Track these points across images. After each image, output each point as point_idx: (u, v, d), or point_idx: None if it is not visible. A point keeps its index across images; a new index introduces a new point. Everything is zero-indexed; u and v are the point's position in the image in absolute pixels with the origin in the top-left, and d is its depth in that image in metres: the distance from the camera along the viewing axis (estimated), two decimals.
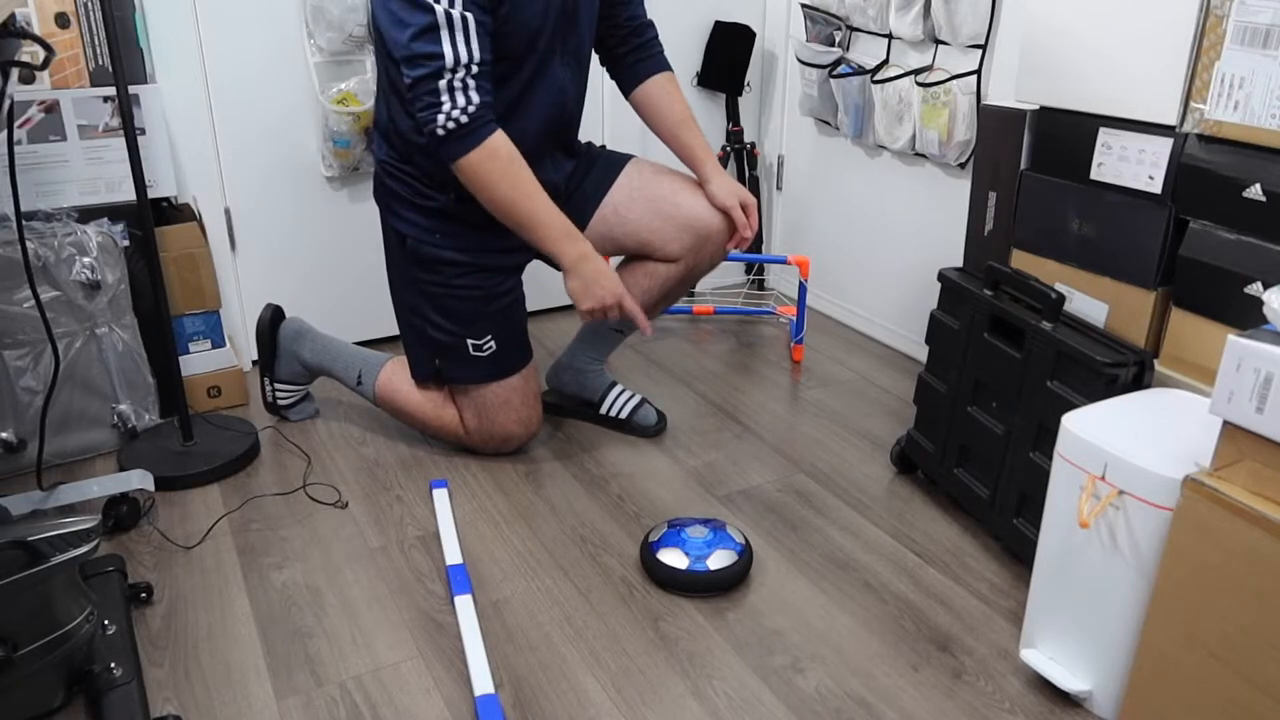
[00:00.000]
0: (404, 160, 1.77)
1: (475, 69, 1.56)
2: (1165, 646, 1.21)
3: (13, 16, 1.37)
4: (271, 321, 2.06)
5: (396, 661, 1.45)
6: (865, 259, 2.60)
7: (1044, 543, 1.39)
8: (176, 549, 1.70)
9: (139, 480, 1.74)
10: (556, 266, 2.02)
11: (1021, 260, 1.79)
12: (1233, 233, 1.44)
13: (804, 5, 2.53)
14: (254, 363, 2.37)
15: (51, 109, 1.87)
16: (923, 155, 2.31)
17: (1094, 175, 1.63)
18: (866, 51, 2.40)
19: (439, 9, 1.53)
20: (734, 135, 2.75)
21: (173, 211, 2.13)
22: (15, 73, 1.62)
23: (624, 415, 2.10)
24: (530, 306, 2.46)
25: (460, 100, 1.56)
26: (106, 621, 1.40)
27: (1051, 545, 1.37)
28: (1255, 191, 1.40)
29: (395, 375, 1.98)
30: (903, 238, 2.46)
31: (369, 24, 2.18)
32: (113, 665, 1.33)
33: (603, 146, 1.99)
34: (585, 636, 1.50)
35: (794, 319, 2.52)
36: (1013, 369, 1.60)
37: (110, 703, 1.29)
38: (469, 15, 1.55)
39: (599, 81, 2.54)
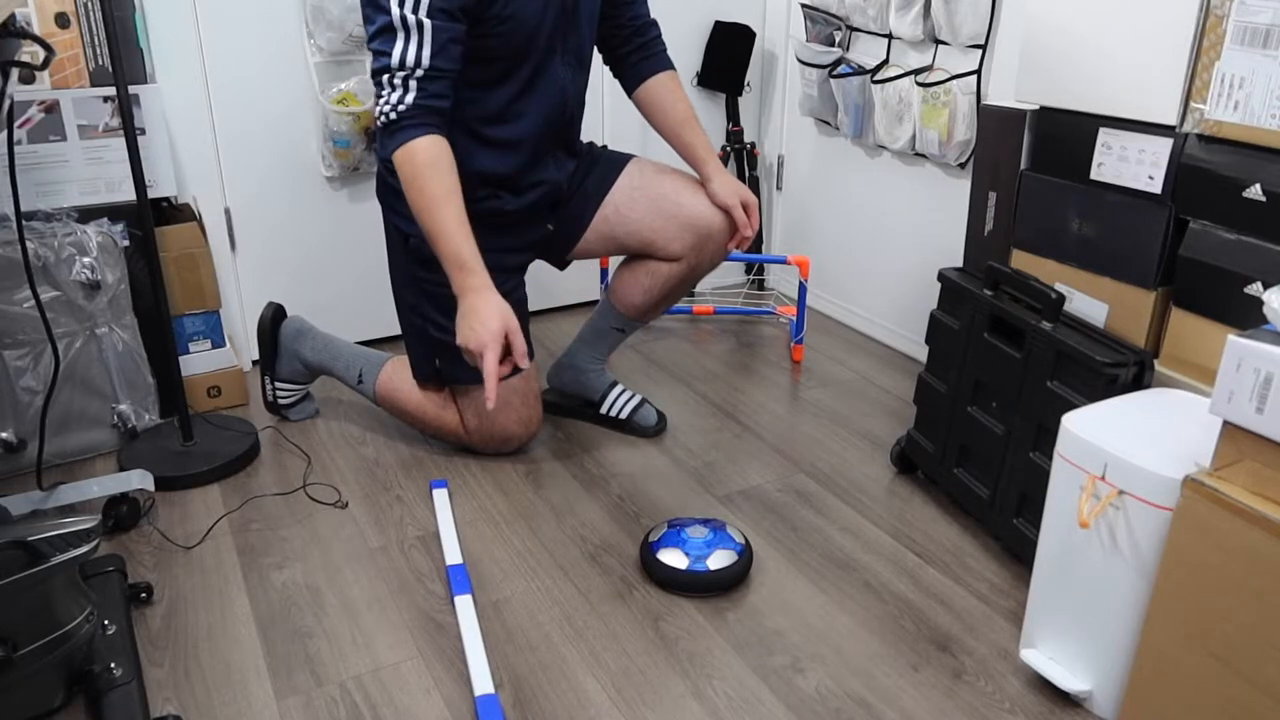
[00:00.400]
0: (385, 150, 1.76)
1: (422, 73, 1.57)
2: (1165, 646, 1.21)
3: (13, 16, 1.37)
4: (273, 320, 2.06)
5: (396, 661, 1.45)
6: (865, 259, 2.60)
7: (1044, 543, 1.39)
8: (176, 549, 1.70)
9: (139, 480, 1.74)
10: (560, 266, 2.03)
11: (1021, 260, 1.79)
12: (1233, 233, 1.44)
13: (804, 5, 2.53)
14: (254, 362, 2.37)
15: (51, 109, 1.87)
16: (923, 155, 2.31)
17: (1094, 175, 1.63)
18: (866, 51, 2.40)
19: (395, 13, 1.55)
20: (734, 135, 2.75)
21: (173, 211, 2.13)
22: (15, 73, 1.62)
23: (624, 415, 2.10)
24: (531, 306, 2.46)
25: (394, 97, 1.58)
26: (106, 621, 1.40)
27: (1051, 545, 1.37)
28: (1255, 191, 1.40)
29: (396, 375, 1.98)
30: (903, 238, 2.45)
31: None
32: (113, 665, 1.33)
33: (604, 146, 1.99)
34: (585, 636, 1.50)
35: (794, 319, 2.52)
36: (1013, 369, 1.60)
37: (110, 703, 1.29)
38: (428, 22, 1.55)
39: (599, 81, 2.54)
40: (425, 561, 1.68)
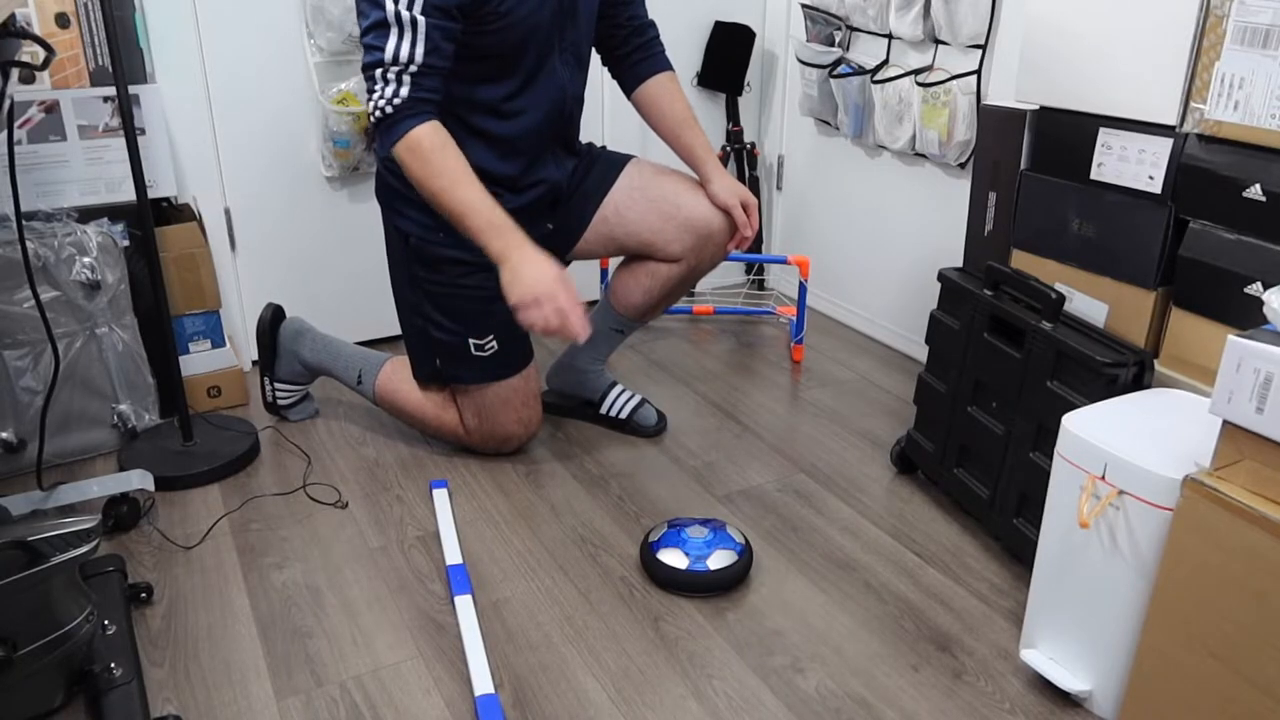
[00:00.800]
0: (383, 146, 1.76)
1: (415, 68, 1.58)
2: (1165, 646, 1.21)
3: (13, 16, 1.37)
4: (272, 321, 2.06)
5: (396, 661, 1.45)
6: (865, 259, 2.60)
7: (1044, 543, 1.39)
8: (176, 549, 1.70)
9: (139, 480, 1.74)
10: (565, 263, 2.02)
11: (1021, 260, 1.79)
12: (1233, 233, 1.44)
13: (804, 5, 2.53)
14: (254, 363, 2.37)
15: (51, 109, 1.87)
16: (923, 155, 2.31)
17: (1094, 175, 1.63)
18: (866, 51, 2.40)
19: (390, 9, 1.55)
20: (734, 135, 2.75)
21: (173, 211, 2.13)
22: (15, 73, 1.62)
23: (624, 415, 2.10)
24: None
25: (389, 91, 1.58)
26: (106, 621, 1.40)
27: (1051, 545, 1.37)
28: (1255, 191, 1.40)
29: (395, 375, 1.98)
30: (903, 238, 2.45)
31: None
32: (113, 665, 1.33)
33: (603, 147, 1.99)
34: (585, 636, 1.50)
35: (794, 319, 2.52)
36: (1013, 369, 1.60)
37: (110, 703, 1.29)
38: (422, 20, 1.56)
39: (599, 81, 2.54)
40: (425, 561, 1.68)
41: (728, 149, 2.75)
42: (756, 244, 2.84)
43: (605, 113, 2.62)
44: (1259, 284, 1.40)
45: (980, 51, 2.10)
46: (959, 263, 1.95)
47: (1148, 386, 1.46)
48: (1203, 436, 1.27)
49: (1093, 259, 1.66)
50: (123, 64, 1.68)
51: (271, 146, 2.25)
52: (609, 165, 1.92)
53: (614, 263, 2.65)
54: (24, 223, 1.84)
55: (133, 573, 1.63)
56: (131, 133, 1.72)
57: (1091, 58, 1.60)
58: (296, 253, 2.36)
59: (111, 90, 1.88)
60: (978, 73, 2.11)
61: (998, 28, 2.06)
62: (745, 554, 1.62)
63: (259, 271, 2.34)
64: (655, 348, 2.54)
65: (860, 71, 2.37)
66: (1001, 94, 2.05)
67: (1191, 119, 1.47)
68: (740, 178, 2.81)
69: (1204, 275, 1.48)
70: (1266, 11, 1.34)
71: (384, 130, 1.61)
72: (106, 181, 1.94)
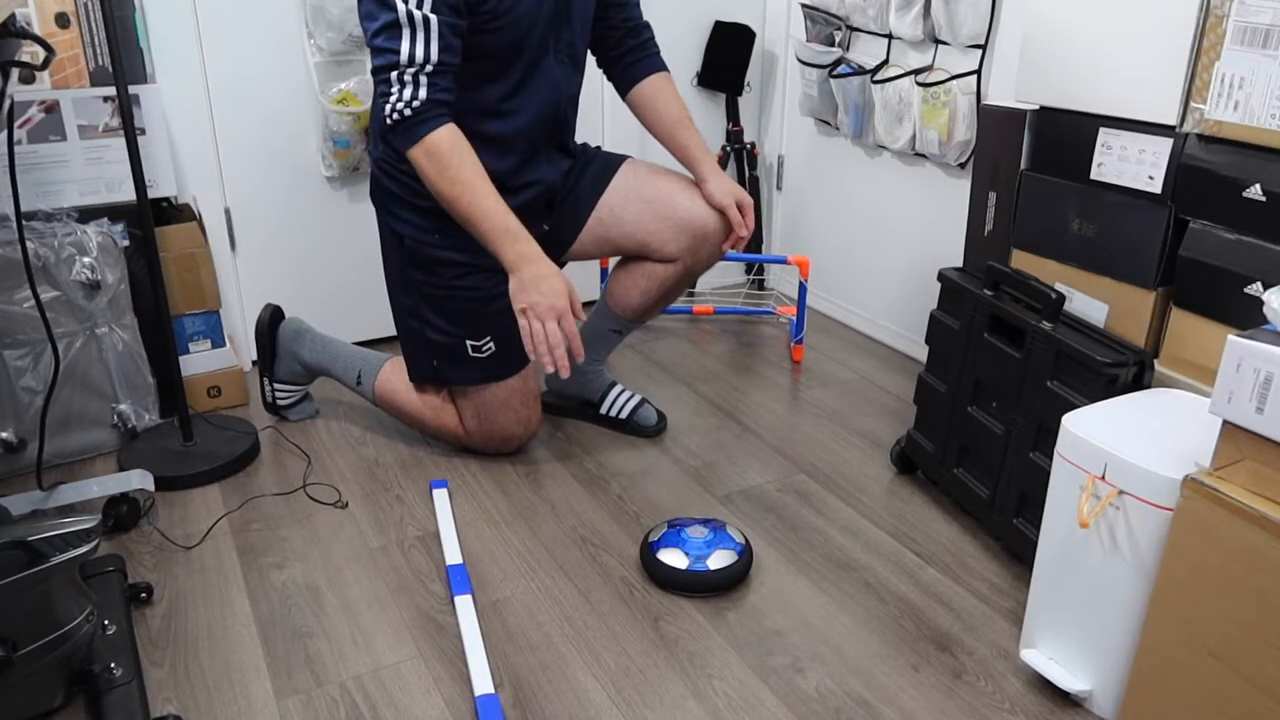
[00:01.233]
0: (400, 159, 1.76)
1: (431, 68, 1.58)
2: (1165, 646, 1.21)
3: (13, 16, 1.37)
4: (271, 321, 2.06)
5: (396, 661, 1.45)
6: (865, 259, 2.60)
7: (1044, 543, 1.39)
8: (176, 549, 1.70)
9: (139, 480, 1.74)
10: (561, 264, 2.02)
11: (1021, 260, 1.79)
12: (1233, 233, 1.44)
13: (804, 5, 2.53)
14: (254, 363, 2.37)
15: (51, 109, 1.87)
16: (923, 155, 2.31)
17: (1094, 175, 1.63)
18: (866, 51, 2.40)
19: (401, 9, 1.55)
20: (734, 135, 2.75)
21: (173, 211, 2.13)
22: (15, 73, 1.62)
23: (624, 415, 2.10)
24: None
25: (407, 94, 1.59)
26: (106, 621, 1.40)
27: (1051, 545, 1.37)
28: (1255, 191, 1.40)
29: (395, 375, 1.98)
30: (903, 238, 2.45)
31: None
32: (113, 665, 1.33)
33: (599, 147, 1.99)
34: (585, 636, 1.50)
35: (794, 319, 2.52)
36: (1013, 369, 1.60)
37: (110, 703, 1.29)
38: (433, 18, 1.56)
39: (599, 81, 2.53)
40: (425, 561, 1.68)
41: (728, 149, 2.75)
42: (756, 244, 2.84)
43: (605, 112, 2.62)
44: (1259, 284, 1.40)
45: (980, 51, 2.10)
46: (959, 263, 1.95)
47: (1148, 386, 1.46)
48: (1203, 436, 1.27)
49: (1093, 259, 1.66)
50: (123, 64, 1.68)
51: (271, 146, 2.25)
52: (604, 166, 1.92)
53: (613, 262, 2.65)
54: (24, 223, 1.85)
55: (133, 573, 1.63)
56: (131, 133, 1.72)
57: (1091, 58, 1.60)
58: (296, 253, 2.36)
59: (111, 90, 1.88)
60: (978, 73, 2.11)
61: (998, 28, 2.06)
62: (745, 554, 1.62)
63: (259, 271, 2.34)
64: (655, 348, 2.54)
65: (860, 71, 2.37)
66: (1001, 94, 2.05)
67: (1191, 119, 1.47)
68: (740, 178, 2.81)
69: (1204, 275, 1.48)
70: (1266, 11, 1.34)
71: (401, 133, 1.61)
72: (106, 181, 1.94)
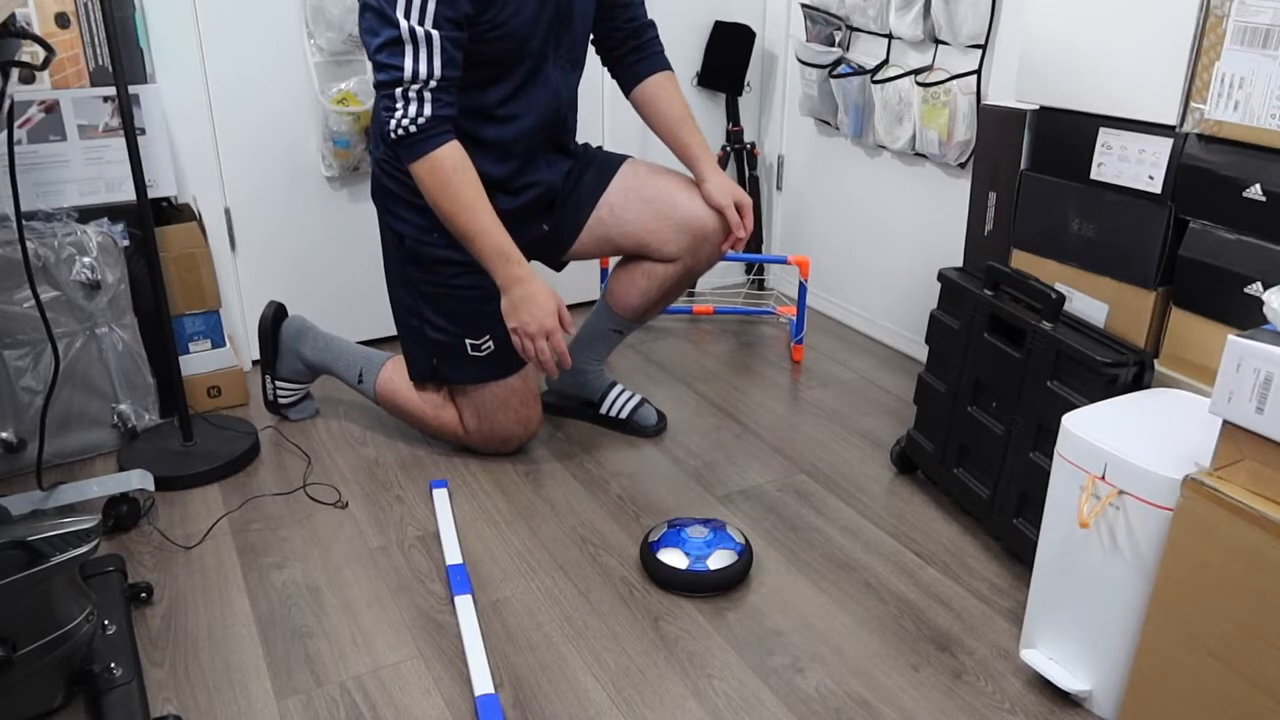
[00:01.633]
0: (399, 160, 1.76)
1: (434, 84, 1.60)
2: (1165, 646, 1.21)
3: (13, 16, 1.37)
4: (274, 319, 2.06)
5: (396, 661, 1.45)
6: (865, 259, 2.60)
7: (1044, 543, 1.39)
8: (176, 549, 1.70)
9: (139, 480, 1.74)
10: (557, 267, 2.03)
11: (1021, 260, 1.79)
12: (1233, 233, 1.44)
13: (804, 5, 2.53)
14: (254, 362, 2.38)
15: (51, 109, 1.87)
16: (923, 155, 2.31)
17: (1094, 175, 1.63)
18: (866, 51, 2.40)
19: (404, 26, 1.56)
20: (734, 135, 2.75)
21: (173, 211, 2.13)
22: (15, 73, 1.62)
23: (624, 415, 2.10)
24: None
25: (412, 110, 1.60)
26: (106, 621, 1.40)
27: (1051, 545, 1.37)
28: (1255, 191, 1.40)
29: (396, 374, 1.98)
30: (903, 238, 2.45)
31: None
32: (113, 665, 1.33)
33: (599, 147, 1.99)
34: (585, 636, 1.50)
35: (794, 319, 2.52)
36: (1013, 369, 1.60)
37: (110, 703, 1.29)
38: (435, 33, 1.57)
39: (599, 81, 2.54)
40: (425, 561, 1.68)
41: (728, 149, 2.75)
42: (756, 244, 2.84)
43: (605, 112, 2.62)
44: (1259, 284, 1.40)
45: (980, 51, 2.10)
46: (959, 263, 1.95)
47: (1148, 386, 1.46)
48: (1203, 436, 1.27)
49: (1093, 259, 1.66)
50: (123, 64, 1.68)
51: (271, 146, 2.25)
52: (604, 166, 1.92)
53: (613, 262, 2.64)
54: (24, 223, 1.84)
55: (133, 573, 1.63)
56: (131, 133, 1.72)
57: (1091, 58, 1.60)
58: (296, 253, 2.36)
59: (111, 90, 1.88)
60: (978, 73, 2.11)
61: (997, 28, 2.06)
62: (745, 554, 1.62)
63: (259, 271, 2.34)
64: (655, 348, 2.54)
65: (860, 71, 2.37)
66: (1001, 94, 2.05)
67: (1191, 119, 1.47)
68: (740, 178, 2.81)
69: (1204, 275, 1.48)
70: (1266, 11, 1.34)
71: (405, 148, 1.63)
72: (106, 181, 1.94)
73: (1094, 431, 1.29)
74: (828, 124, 2.60)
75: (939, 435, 1.81)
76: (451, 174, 1.63)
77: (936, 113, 2.19)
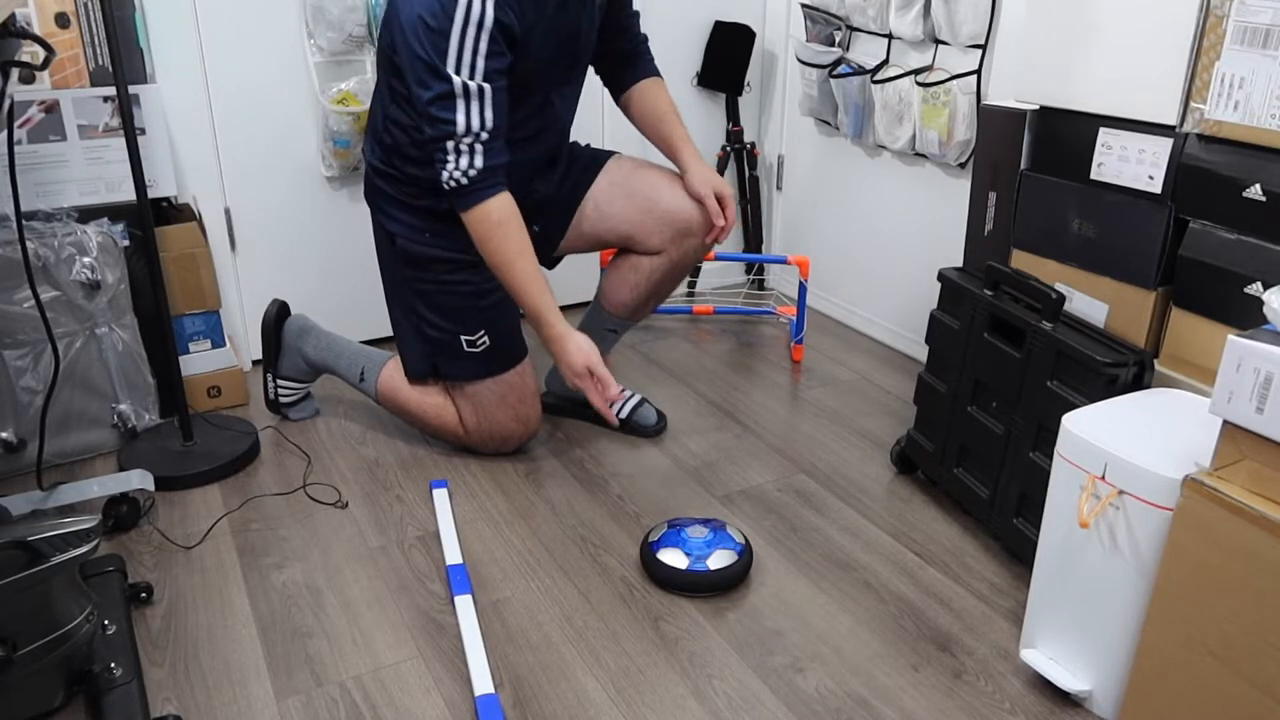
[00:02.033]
0: (393, 163, 1.79)
1: (486, 135, 1.63)
2: (1165, 646, 1.21)
3: (13, 16, 1.37)
4: (277, 317, 2.07)
5: (396, 661, 1.45)
6: (865, 259, 2.60)
7: (1044, 543, 1.39)
8: (176, 549, 1.70)
9: (139, 480, 1.74)
10: (549, 265, 2.04)
11: (1021, 260, 1.79)
12: (1233, 233, 1.44)
13: (804, 5, 2.53)
14: (255, 362, 2.38)
15: (51, 109, 1.87)
16: (923, 155, 2.31)
17: (1094, 175, 1.63)
18: (866, 51, 2.40)
19: (457, 81, 1.59)
20: (734, 135, 2.75)
21: (173, 211, 2.13)
22: (15, 73, 1.62)
23: (623, 415, 2.10)
24: None
25: (464, 163, 1.64)
26: (106, 621, 1.40)
27: (1051, 545, 1.37)
28: (1255, 191, 1.40)
29: (397, 373, 1.98)
30: (903, 238, 2.45)
31: (368, 24, 2.18)
32: (113, 665, 1.33)
33: (587, 145, 2.01)
34: (585, 636, 1.50)
35: (794, 319, 2.52)
36: (1013, 369, 1.60)
37: (110, 703, 1.29)
38: (486, 86, 1.61)
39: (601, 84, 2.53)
40: (425, 561, 1.68)
41: (728, 149, 2.75)
42: (756, 244, 2.85)
43: (604, 113, 2.62)
44: (1259, 284, 1.40)
45: (980, 51, 2.10)
46: (959, 263, 1.95)
47: (1148, 386, 1.46)
48: (1203, 436, 1.27)
49: (1093, 259, 1.66)
50: (123, 64, 1.68)
51: (271, 146, 2.25)
52: (590, 162, 1.96)
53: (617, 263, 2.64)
54: (24, 223, 1.84)
55: (133, 573, 1.63)
56: (131, 133, 1.72)
57: (1091, 58, 1.60)
58: (296, 253, 2.36)
59: (111, 90, 1.88)
60: (978, 73, 2.11)
61: (997, 28, 2.06)
62: (745, 554, 1.62)
63: (259, 271, 2.34)
64: (655, 348, 2.54)
65: (860, 71, 2.37)
66: (1001, 94, 2.05)
67: (1191, 119, 1.47)
68: (740, 178, 2.81)
69: (1204, 275, 1.48)
70: (1266, 11, 1.34)
71: (458, 198, 1.67)
72: (106, 181, 1.94)
73: (1094, 431, 1.29)
74: (828, 124, 2.60)
75: (939, 435, 1.81)
76: (496, 227, 1.66)
77: (936, 113, 2.19)
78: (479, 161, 1.64)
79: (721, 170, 2.77)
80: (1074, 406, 1.43)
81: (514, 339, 1.90)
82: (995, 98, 2.06)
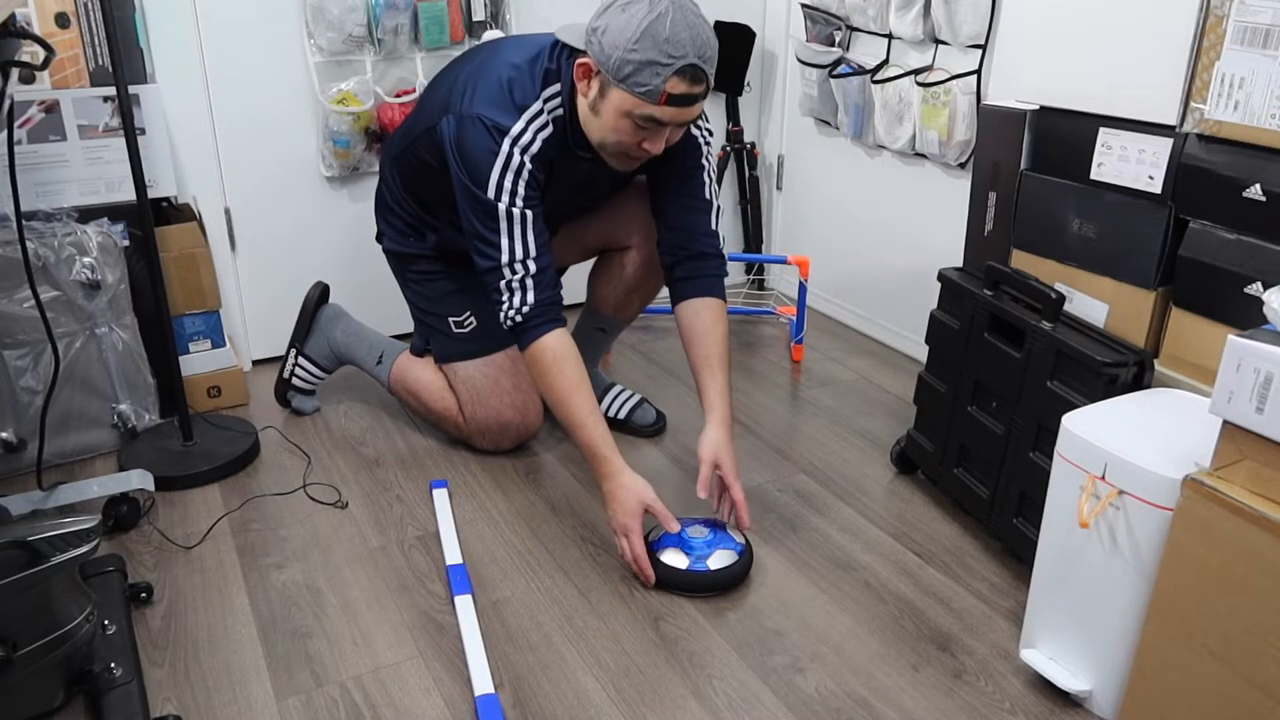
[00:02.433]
0: (394, 175, 1.90)
1: (533, 265, 1.64)
2: (1165, 646, 1.21)
3: (13, 16, 1.37)
4: (318, 300, 2.14)
5: (396, 661, 1.45)
6: (865, 259, 2.60)
7: (1044, 543, 1.39)
8: (176, 549, 1.70)
9: (139, 480, 1.74)
10: None
11: (1021, 260, 1.79)
12: (1233, 233, 1.44)
13: (804, 5, 2.53)
14: (255, 362, 2.38)
15: (51, 109, 1.86)
16: (923, 155, 2.31)
17: (1094, 175, 1.63)
18: (866, 51, 2.40)
19: (501, 207, 1.63)
20: (734, 135, 2.75)
21: (173, 211, 2.13)
22: (15, 73, 1.62)
23: (623, 415, 2.10)
24: None
25: (517, 300, 1.65)
26: (106, 621, 1.40)
27: (1051, 545, 1.37)
28: (1255, 191, 1.40)
29: (412, 359, 2.05)
30: (903, 238, 2.45)
31: (368, 24, 2.18)
32: (113, 665, 1.33)
33: None
34: (585, 636, 1.50)
35: (794, 319, 2.52)
36: (1013, 369, 1.60)
37: (110, 703, 1.29)
38: (529, 212, 1.64)
39: None
40: (425, 561, 1.68)
41: (728, 149, 2.75)
42: (756, 244, 2.85)
43: None
44: (1259, 284, 1.40)
45: (980, 51, 2.10)
46: (959, 263, 1.95)
47: (1148, 386, 1.46)
48: (1203, 436, 1.27)
49: (1093, 259, 1.66)
50: (123, 64, 1.68)
51: (271, 146, 2.25)
52: None
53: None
54: (24, 223, 1.84)
55: (133, 573, 1.63)
56: (131, 133, 1.72)
57: (1091, 58, 1.61)
58: (297, 252, 2.36)
59: (111, 90, 1.88)
60: (978, 73, 2.11)
61: (997, 28, 2.06)
62: (745, 554, 1.62)
63: (259, 271, 2.34)
64: (655, 348, 2.54)
65: (860, 71, 2.37)
66: (1001, 94, 2.05)
67: (1191, 119, 1.47)
68: (740, 178, 2.81)
69: (1204, 275, 1.48)
70: (1266, 11, 1.35)
71: (516, 335, 1.68)
72: (106, 181, 1.94)
73: (1094, 431, 1.29)
74: (828, 124, 2.60)
75: (939, 435, 1.81)
76: (551, 365, 1.66)
77: (936, 113, 2.19)
78: (530, 296, 1.65)
79: (722, 170, 2.77)
80: (1074, 406, 1.43)
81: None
82: (995, 98, 2.06)
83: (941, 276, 1.79)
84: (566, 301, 2.73)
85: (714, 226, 1.81)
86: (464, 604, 1.54)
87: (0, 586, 1.20)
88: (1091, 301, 1.67)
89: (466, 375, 1.92)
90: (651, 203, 1.85)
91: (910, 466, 1.96)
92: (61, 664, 1.29)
